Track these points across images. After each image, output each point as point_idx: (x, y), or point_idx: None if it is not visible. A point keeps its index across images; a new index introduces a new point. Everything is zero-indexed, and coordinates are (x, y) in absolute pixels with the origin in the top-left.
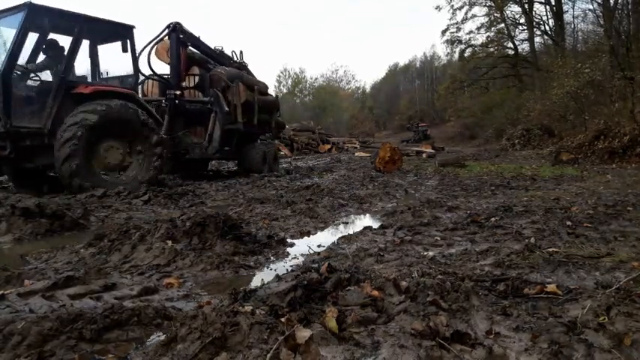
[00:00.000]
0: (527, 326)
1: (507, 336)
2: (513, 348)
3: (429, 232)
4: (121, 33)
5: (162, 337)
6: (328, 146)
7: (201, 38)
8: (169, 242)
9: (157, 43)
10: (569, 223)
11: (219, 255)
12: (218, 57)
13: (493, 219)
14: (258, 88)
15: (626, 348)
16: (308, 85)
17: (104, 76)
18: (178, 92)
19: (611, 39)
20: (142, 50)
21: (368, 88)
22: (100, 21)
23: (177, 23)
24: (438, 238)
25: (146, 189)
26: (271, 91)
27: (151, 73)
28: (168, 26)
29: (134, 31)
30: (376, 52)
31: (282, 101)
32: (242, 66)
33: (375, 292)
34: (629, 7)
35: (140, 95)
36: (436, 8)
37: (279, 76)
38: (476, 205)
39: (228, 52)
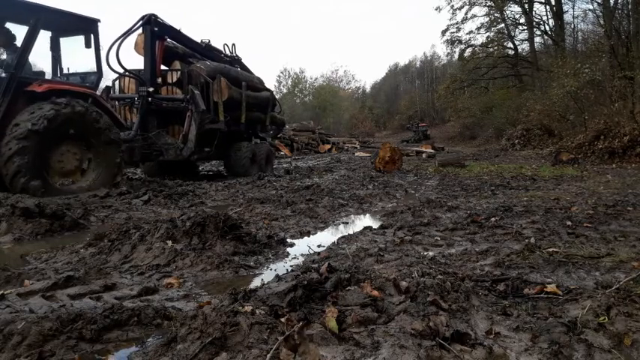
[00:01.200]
0: (527, 326)
1: (507, 336)
2: (513, 348)
3: (429, 232)
4: (85, 27)
5: (162, 337)
6: (328, 146)
7: (194, 34)
8: (169, 242)
9: (126, 36)
10: (569, 223)
11: (219, 255)
12: (205, 51)
13: (493, 219)
14: (248, 83)
15: (626, 348)
16: (308, 85)
17: (67, 72)
18: (151, 89)
19: (611, 39)
20: (113, 44)
21: (368, 88)
22: (61, 12)
23: (152, 15)
24: (438, 238)
25: (146, 189)
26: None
27: (123, 69)
28: (141, 18)
29: (99, 25)
30: (376, 52)
31: (282, 101)
32: (234, 60)
33: (375, 292)
34: (629, 7)
35: (117, 92)
36: (436, 9)
37: (279, 76)
38: (476, 205)
39: (218, 45)
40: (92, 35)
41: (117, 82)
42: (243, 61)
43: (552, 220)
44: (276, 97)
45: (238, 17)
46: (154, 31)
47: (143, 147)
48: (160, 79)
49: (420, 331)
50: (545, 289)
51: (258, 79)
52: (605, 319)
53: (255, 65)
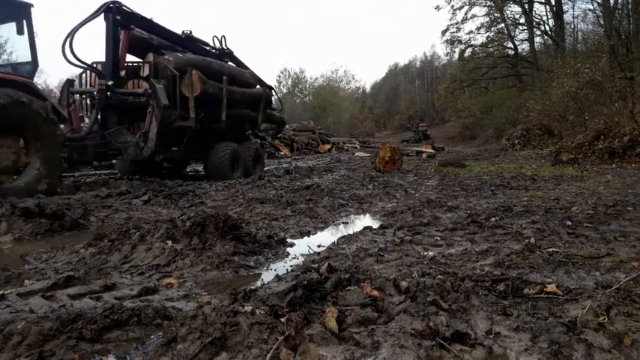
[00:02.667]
0: (527, 326)
1: (507, 336)
2: (513, 348)
3: (429, 232)
4: (16, 12)
5: (162, 337)
6: (328, 146)
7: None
8: (169, 242)
9: (83, 25)
10: (569, 223)
11: (219, 255)
12: (185, 42)
13: (493, 219)
14: (236, 78)
15: (626, 348)
16: (308, 85)
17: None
18: (110, 82)
19: (611, 39)
20: (70, 34)
21: (368, 88)
22: None
23: (114, 2)
24: (438, 238)
25: (146, 189)
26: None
27: (78, 61)
28: (102, 6)
29: (32, 9)
30: (376, 52)
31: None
32: (224, 53)
33: (375, 292)
34: (629, 7)
35: (87, 85)
36: (436, 8)
37: (279, 76)
38: (476, 205)
39: (206, 38)
40: (24, 21)
41: (84, 75)
42: (235, 54)
43: (552, 220)
44: (277, 94)
45: (239, 17)
46: (116, 20)
47: (98, 145)
48: (123, 72)
49: (420, 331)
50: (545, 289)
51: (251, 73)
52: (605, 319)
53: (256, 65)
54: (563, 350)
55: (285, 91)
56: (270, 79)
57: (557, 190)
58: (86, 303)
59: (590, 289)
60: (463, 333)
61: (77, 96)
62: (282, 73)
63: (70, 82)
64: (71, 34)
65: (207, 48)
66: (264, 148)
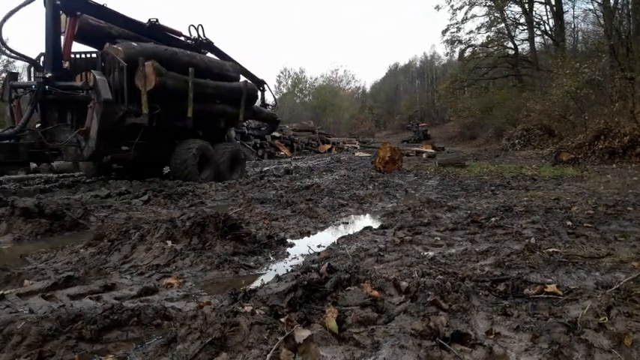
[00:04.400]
0: (528, 326)
1: (507, 336)
2: (513, 348)
3: (429, 232)
4: None
5: (162, 338)
6: (328, 146)
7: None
8: (169, 242)
9: (14, 12)
10: (569, 223)
11: (219, 255)
12: (150, 31)
13: (493, 219)
14: (214, 71)
15: (626, 348)
16: (308, 85)
17: None
18: (48, 75)
19: (611, 39)
20: (3, 19)
21: (368, 88)
22: None
23: None
24: (438, 238)
25: (146, 189)
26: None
27: (9, 50)
28: None
29: None
30: (376, 52)
31: (282, 101)
32: (200, 44)
33: (375, 293)
34: (629, 7)
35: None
36: (435, 8)
37: (279, 76)
38: (476, 205)
39: (181, 28)
40: None
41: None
42: (216, 45)
43: (552, 220)
44: (277, 94)
45: (239, 17)
46: (56, 4)
47: (32, 145)
48: (67, 64)
49: (420, 331)
50: (545, 290)
51: (233, 66)
52: (605, 319)
53: (256, 65)
54: (564, 350)
55: (285, 91)
56: (271, 79)
57: (558, 190)
58: (86, 303)
59: (591, 290)
60: (463, 333)
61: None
62: (282, 73)
63: (12, 76)
64: (4, 19)
65: (181, 38)
66: (264, 149)
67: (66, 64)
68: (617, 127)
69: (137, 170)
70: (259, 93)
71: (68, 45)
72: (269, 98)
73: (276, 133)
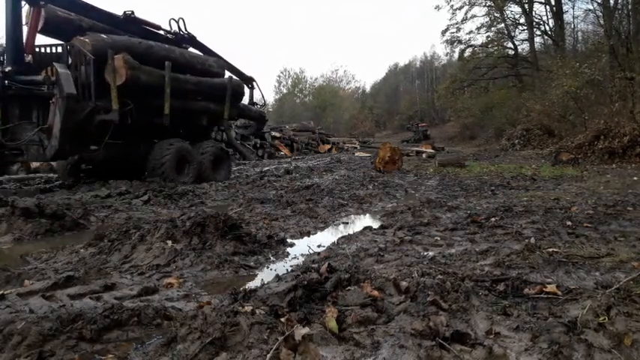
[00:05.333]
0: (527, 326)
1: (507, 336)
2: (513, 348)
3: (429, 232)
4: None
5: (162, 337)
6: (328, 146)
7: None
8: (169, 242)
9: None
10: (569, 223)
11: (219, 255)
12: (125, 24)
13: (493, 219)
14: (195, 67)
15: (626, 348)
16: (308, 85)
17: None
18: (8, 69)
19: (611, 39)
20: None
21: (368, 88)
22: None
23: None
24: (438, 238)
25: (146, 189)
26: (270, 92)
27: None
28: None
29: None
30: (376, 52)
31: (282, 101)
32: (181, 38)
33: (375, 292)
34: (629, 7)
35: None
36: (435, 8)
37: (279, 76)
38: (476, 205)
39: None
40: None
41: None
42: (198, 39)
43: (552, 220)
44: (277, 94)
45: (239, 17)
46: None
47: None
48: (30, 57)
49: (420, 331)
50: (545, 289)
51: (217, 61)
52: (605, 319)
53: (256, 65)
54: (564, 350)
55: (285, 91)
56: (271, 79)
57: (557, 190)
58: (86, 303)
59: (590, 289)
60: (463, 333)
61: None
62: (282, 73)
63: None
64: None
65: (161, 32)
66: (264, 149)
67: (29, 58)
68: (617, 127)
69: (112, 171)
70: (247, 90)
71: (31, 37)
72: (259, 97)
73: (276, 133)
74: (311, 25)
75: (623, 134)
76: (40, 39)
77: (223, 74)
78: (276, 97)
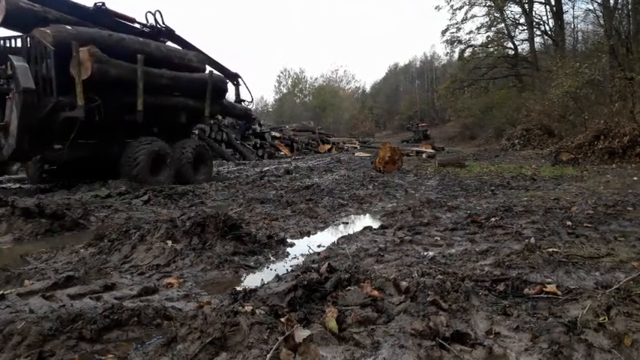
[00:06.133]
0: (527, 326)
1: (507, 336)
2: (513, 348)
3: (429, 232)
4: None
5: (162, 337)
6: (328, 146)
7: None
8: (169, 242)
9: None
10: (569, 223)
11: (219, 255)
12: (96, 17)
13: (493, 219)
14: (175, 61)
15: (626, 348)
16: (308, 85)
17: None
18: None
19: (611, 39)
20: None
21: (368, 88)
22: None
23: None
24: (438, 238)
25: (146, 189)
26: (270, 92)
27: None
28: None
29: None
30: (376, 52)
31: (282, 101)
32: (159, 31)
33: (375, 292)
34: (629, 7)
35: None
36: (436, 8)
37: (279, 76)
38: (476, 205)
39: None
40: None
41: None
42: (177, 33)
43: (552, 220)
44: (277, 94)
45: (239, 17)
46: None
47: None
48: None
49: (420, 331)
50: (545, 289)
51: (197, 55)
52: (605, 319)
53: (256, 65)
54: (564, 350)
55: (285, 91)
56: (270, 79)
57: (557, 190)
58: (86, 303)
59: (590, 289)
60: (463, 333)
61: None
62: (282, 73)
63: None
64: None
65: (136, 25)
66: (264, 149)
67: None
68: (616, 127)
69: (80, 171)
70: (233, 87)
71: None
72: (248, 95)
73: (276, 133)
74: (311, 25)
75: (623, 134)
76: (1, 31)
77: (204, 69)
78: (276, 97)
